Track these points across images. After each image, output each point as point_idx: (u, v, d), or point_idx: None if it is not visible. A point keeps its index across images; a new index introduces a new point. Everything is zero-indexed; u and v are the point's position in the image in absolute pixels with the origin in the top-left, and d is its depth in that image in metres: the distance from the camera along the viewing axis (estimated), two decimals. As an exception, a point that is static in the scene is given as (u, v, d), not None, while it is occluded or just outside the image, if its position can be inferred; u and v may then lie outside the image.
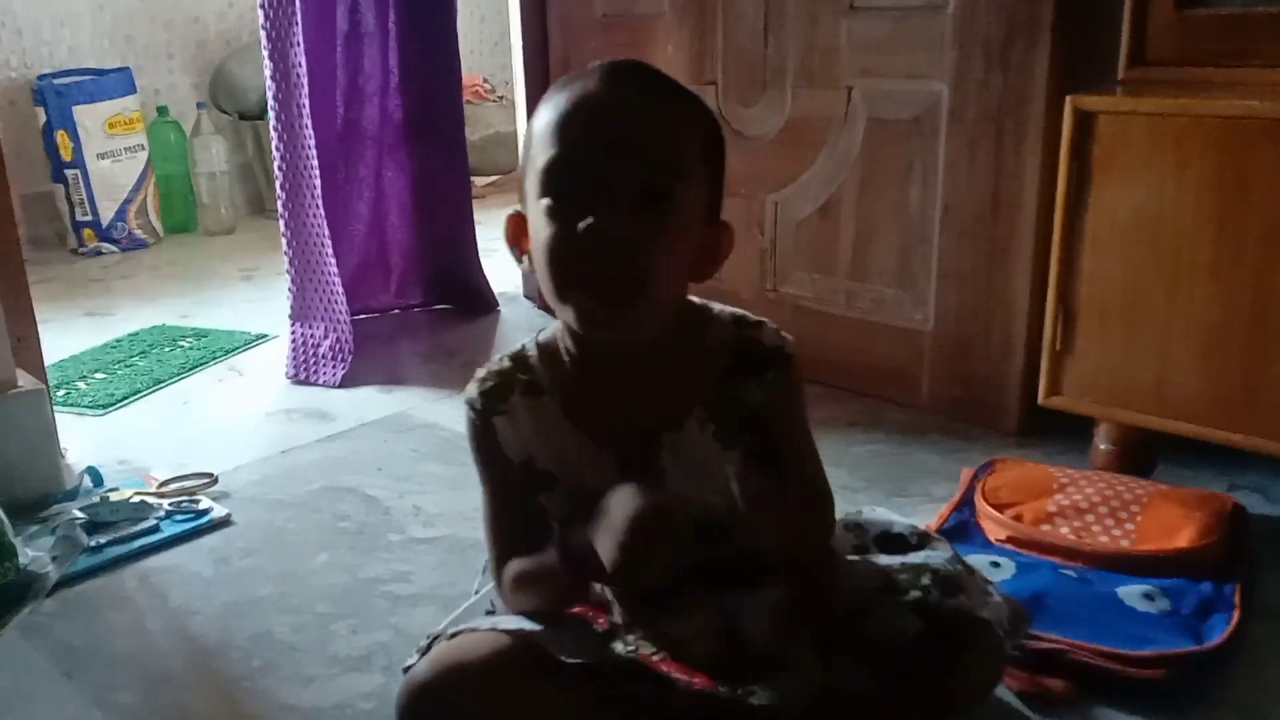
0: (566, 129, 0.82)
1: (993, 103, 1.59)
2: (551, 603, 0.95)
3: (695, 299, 0.96)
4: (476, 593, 1.09)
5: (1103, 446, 1.47)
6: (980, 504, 1.36)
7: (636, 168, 0.81)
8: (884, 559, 0.98)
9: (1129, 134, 1.31)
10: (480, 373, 0.96)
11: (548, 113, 0.84)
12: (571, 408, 0.93)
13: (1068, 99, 1.34)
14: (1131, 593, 1.17)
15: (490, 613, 1.02)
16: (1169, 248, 1.30)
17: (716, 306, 0.95)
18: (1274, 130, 1.21)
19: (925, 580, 0.92)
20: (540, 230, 0.83)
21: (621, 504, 0.82)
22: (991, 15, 1.57)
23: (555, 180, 0.82)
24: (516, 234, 0.90)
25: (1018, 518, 1.32)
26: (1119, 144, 1.32)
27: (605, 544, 0.82)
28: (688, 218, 0.85)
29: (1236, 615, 1.14)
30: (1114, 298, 1.36)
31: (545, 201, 0.83)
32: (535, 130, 0.85)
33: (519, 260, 0.91)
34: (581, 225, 0.80)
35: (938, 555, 0.98)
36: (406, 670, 0.93)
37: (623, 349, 0.89)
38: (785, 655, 0.92)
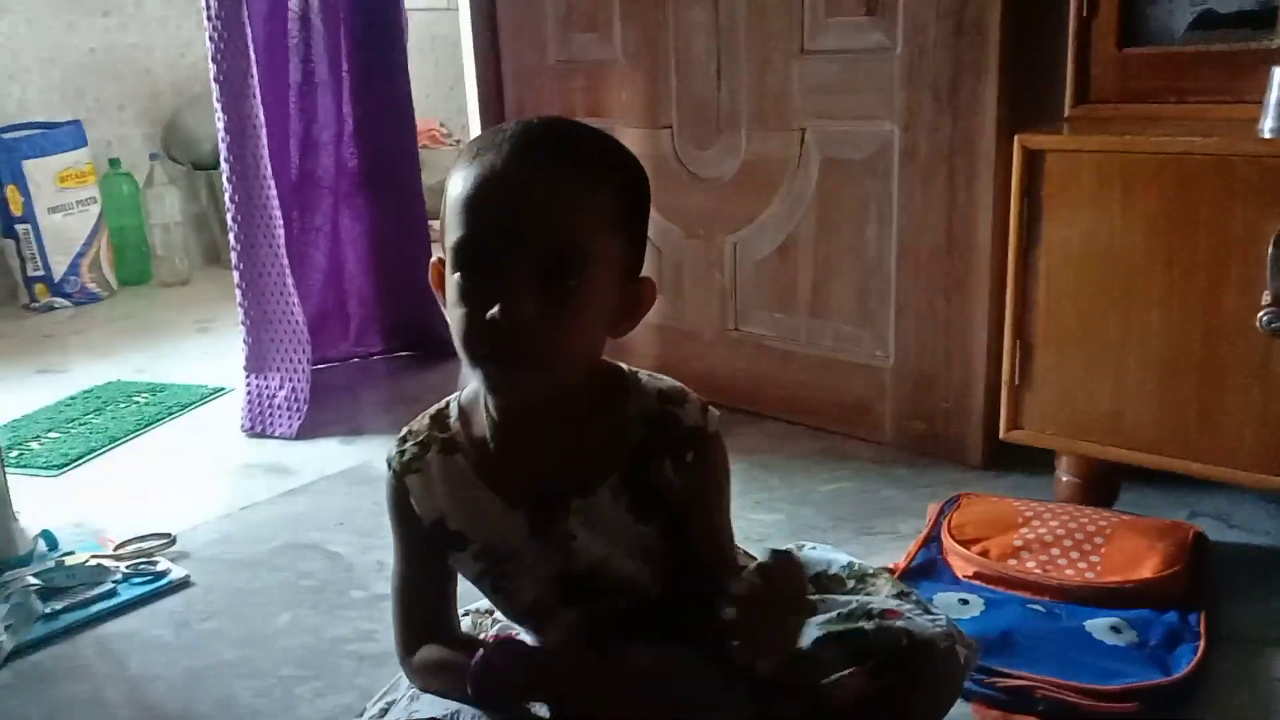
0: (473, 208, 0.81)
1: (943, 142, 1.62)
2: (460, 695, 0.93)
3: (625, 366, 0.94)
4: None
5: (1065, 478, 1.49)
6: (947, 540, 1.37)
7: (538, 250, 0.80)
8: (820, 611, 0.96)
9: (1077, 171, 1.34)
10: (403, 431, 0.97)
11: (459, 183, 0.83)
12: (485, 467, 0.92)
13: (1016, 138, 1.37)
14: (1099, 626, 1.18)
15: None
16: (1120, 280, 1.33)
17: (645, 376, 0.93)
18: (1215, 164, 1.24)
19: (867, 625, 0.91)
20: (452, 304, 0.84)
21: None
22: (939, 57, 1.60)
23: (463, 260, 0.82)
24: (439, 280, 0.89)
25: (984, 553, 1.32)
26: (1067, 181, 1.34)
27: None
28: (599, 287, 0.84)
29: (1202, 644, 1.15)
30: (1069, 331, 1.38)
31: (456, 277, 0.83)
32: (449, 196, 0.84)
33: (443, 306, 0.90)
34: (487, 314, 0.80)
35: (875, 596, 0.97)
36: None
37: (541, 412, 0.89)
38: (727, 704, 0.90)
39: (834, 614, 0.94)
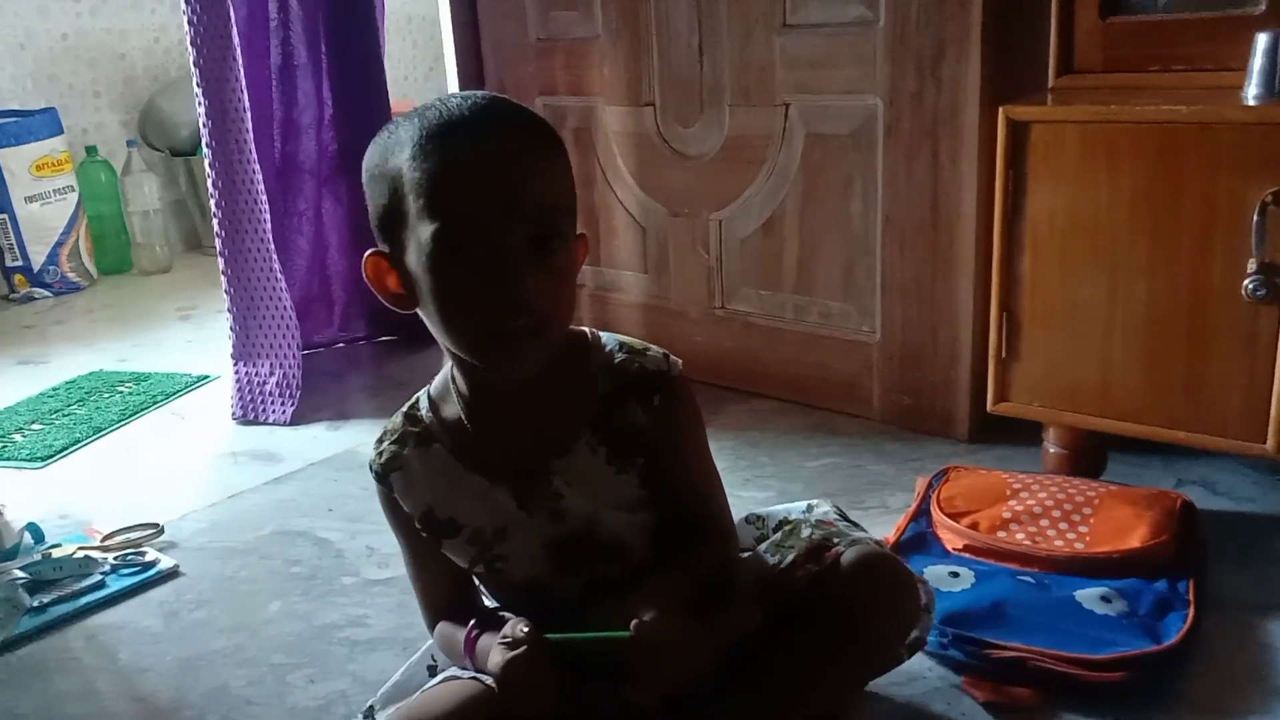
0: (458, 190, 0.81)
1: (927, 115, 1.61)
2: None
3: (586, 329, 0.97)
4: None
5: (1053, 449, 1.49)
6: (936, 514, 1.37)
7: (532, 219, 0.82)
8: (766, 544, 1.02)
9: (1061, 142, 1.33)
10: (380, 433, 0.99)
11: (429, 167, 0.81)
12: (463, 451, 0.94)
13: (1000, 109, 1.36)
14: (1089, 596, 1.19)
15: (432, 667, 1.01)
16: (1106, 252, 1.32)
17: (605, 335, 0.96)
18: (1200, 133, 1.24)
19: (805, 531, 0.98)
20: (435, 292, 0.83)
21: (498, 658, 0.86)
22: (922, 29, 1.59)
23: (452, 245, 0.81)
24: (379, 275, 0.89)
25: (974, 526, 1.33)
26: (1052, 152, 1.34)
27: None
28: (573, 247, 0.87)
29: (1191, 612, 1.16)
30: (1055, 303, 1.37)
31: (441, 264, 0.82)
32: (410, 182, 0.82)
33: (389, 302, 0.90)
34: (489, 294, 0.81)
35: (813, 515, 1.03)
36: None
37: (512, 383, 0.90)
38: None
39: (779, 534, 1.01)
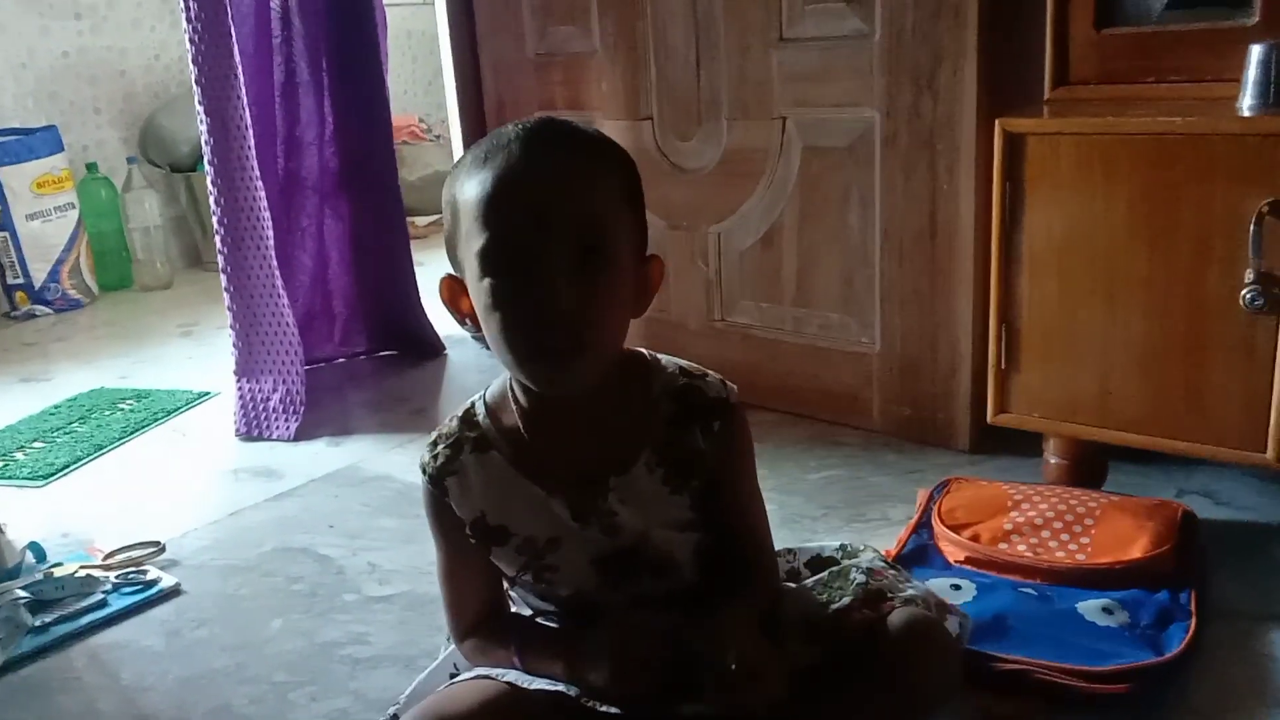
0: (495, 208, 0.83)
1: (924, 127, 1.62)
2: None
3: (644, 350, 0.98)
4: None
5: (1053, 460, 1.49)
6: (937, 526, 1.37)
7: (568, 235, 0.83)
8: (811, 580, 1.03)
9: (1058, 153, 1.33)
10: (431, 436, 0.99)
11: (473, 188, 0.85)
12: (520, 460, 0.95)
13: (997, 121, 1.37)
14: (1091, 607, 1.18)
15: (454, 675, 1.01)
16: (1103, 263, 1.33)
17: (664, 358, 0.98)
18: (1195, 144, 1.24)
19: (857, 577, 0.98)
20: (487, 310, 0.86)
21: (603, 643, 0.89)
22: (918, 42, 1.60)
23: (492, 262, 0.84)
24: (453, 296, 0.92)
25: (975, 538, 1.33)
26: (1049, 163, 1.34)
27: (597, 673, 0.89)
28: (622, 265, 0.87)
29: (1193, 623, 1.16)
30: (1054, 314, 1.38)
31: (487, 283, 0.85)
32: (462, 205, 0.86)
33: (461, 323, 0.93)
34: (531, 308, 0.83)
35: (861, 560, 1.03)
36: None
37: (571, 398, 0.91)
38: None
39: (826, 573, 1.01)
